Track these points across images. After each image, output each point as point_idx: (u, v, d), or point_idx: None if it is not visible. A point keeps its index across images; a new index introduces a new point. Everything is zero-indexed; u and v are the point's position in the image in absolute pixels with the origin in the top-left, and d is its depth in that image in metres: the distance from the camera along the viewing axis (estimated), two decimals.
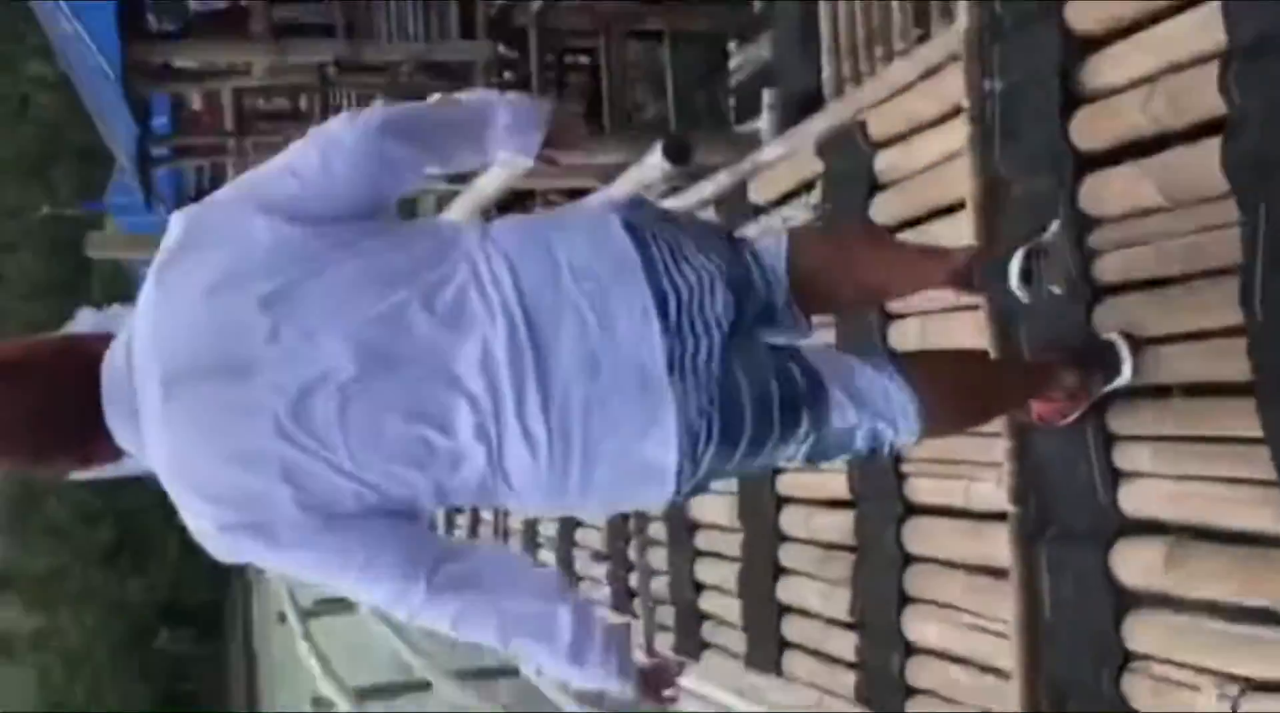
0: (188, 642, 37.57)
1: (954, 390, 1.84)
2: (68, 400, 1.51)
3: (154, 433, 1.49)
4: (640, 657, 1.78)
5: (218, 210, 1.57)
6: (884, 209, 2.99)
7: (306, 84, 8.05)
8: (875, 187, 3.05)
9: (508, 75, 7.10)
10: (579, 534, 5.26)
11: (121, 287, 26.25)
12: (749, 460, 1.62)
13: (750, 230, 3.42)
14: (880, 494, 3.08)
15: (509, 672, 5.51)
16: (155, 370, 1.47)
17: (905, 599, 3.06)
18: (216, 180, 12.93)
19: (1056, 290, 1.90)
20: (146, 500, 34.06)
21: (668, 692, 1.76)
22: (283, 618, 7.24)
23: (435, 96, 1.66)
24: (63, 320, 1.72)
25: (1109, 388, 2.14)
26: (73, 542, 36.52)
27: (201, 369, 1.48)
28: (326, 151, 1.55)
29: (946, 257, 1.97)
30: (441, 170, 1.65)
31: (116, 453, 1.54)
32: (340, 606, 8.05)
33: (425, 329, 1.50)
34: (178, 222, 1.56)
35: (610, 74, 6.80)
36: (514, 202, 6.49)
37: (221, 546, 1.56)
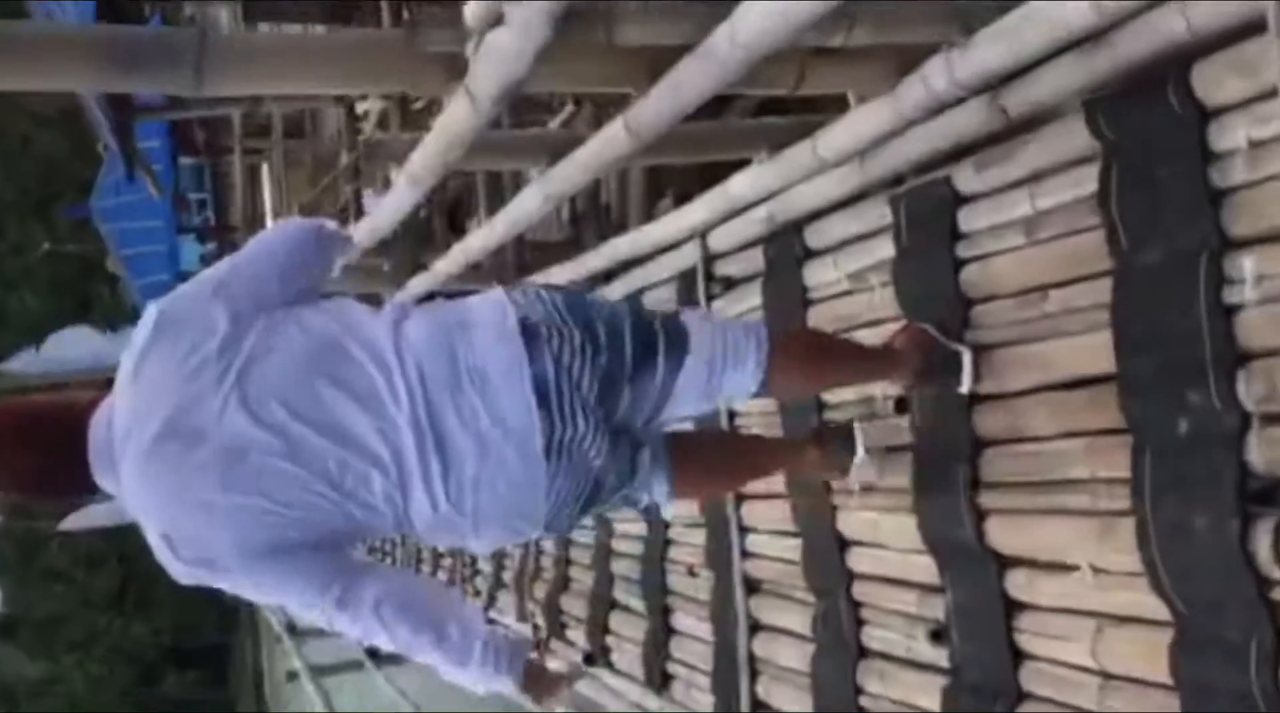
0: (195, 686, 37.55)
1: (702, 471, 2.38)
2: (65, 456, 1.96)
3: (129, 485, 1.92)
4: (533, 660, 2.18)
5: (184, 303, 2.02)
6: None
7: None
8: None
9: None
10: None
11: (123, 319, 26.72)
12: (586, 516, 2.17)
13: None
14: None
15: None
16: (132, 437, 1.90)
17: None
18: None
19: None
20: (149, 545, 34.41)
21: (549, 696, 2.20)
22: (292, 677, 7.51)
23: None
24: None
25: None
26: (76, 587, 36.75)
27: (166, 435, 1.90)
28: (265, 258, 2.07)
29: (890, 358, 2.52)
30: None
31: (96, 493, 1.97)
32: (351, 665, 8.33)
33: (344, 409, 1.94)
34: (150, 314, 2.01)
35: None
36: None
37: (181, 573, 2.00)
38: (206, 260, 13.80)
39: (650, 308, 2.27)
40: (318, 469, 1.92)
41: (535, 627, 4.94)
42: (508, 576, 5.76)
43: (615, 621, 4.41)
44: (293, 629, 7.14)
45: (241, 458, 1.90)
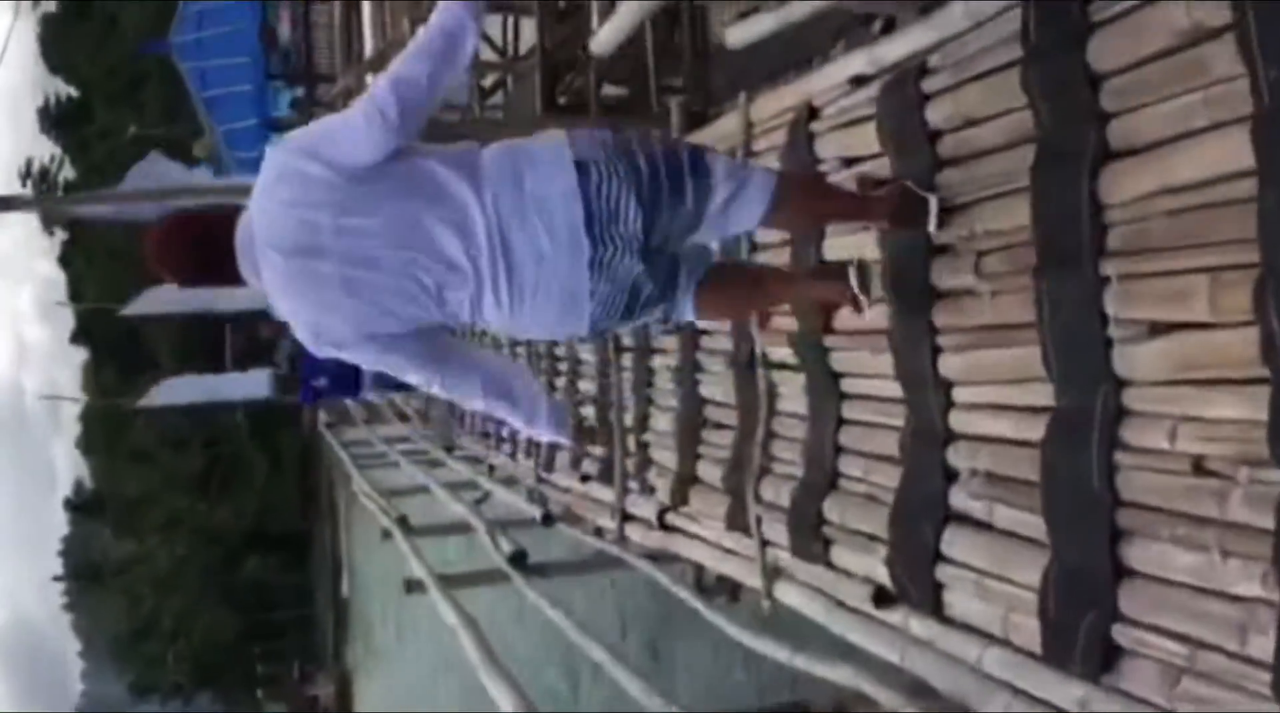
0: (275, 570, 39.09)
1: (721, 296, 2.86)
2: (218, 252, 2.52)
3: (271, 286, 2.51)
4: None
5: (290, 155, 2.49)
6: None
7: None
8: None
9: None
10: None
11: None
12: (629, 323, 2.72)
13: None
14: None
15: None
16: (270, 248, 2.47)
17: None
18: None
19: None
20: (234, 428, 35.73)
21: (581, 443, 3.05)
22: (386, 535, 7.82)
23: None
24: None
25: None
26: (161, 468, 38.44)
27: (293, 248, 2.46)
28: (361, 132, 2.45)
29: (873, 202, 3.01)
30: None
31: (240, 281, 2.57)
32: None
33: (438, 230, 2.48)
34: (270, 157, 2.52)
35: None
36: None
37: (315, 349, 2.61)
38: (298, 106, 13.02)
39: (681, 148, 2.69)
40: (413, 280, 2.49)
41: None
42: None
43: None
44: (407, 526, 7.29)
45: (357, 271, 2.46)
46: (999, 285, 2.69)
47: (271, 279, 2.51)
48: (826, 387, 3.53)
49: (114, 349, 39.19)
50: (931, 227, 2.87)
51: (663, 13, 5.59)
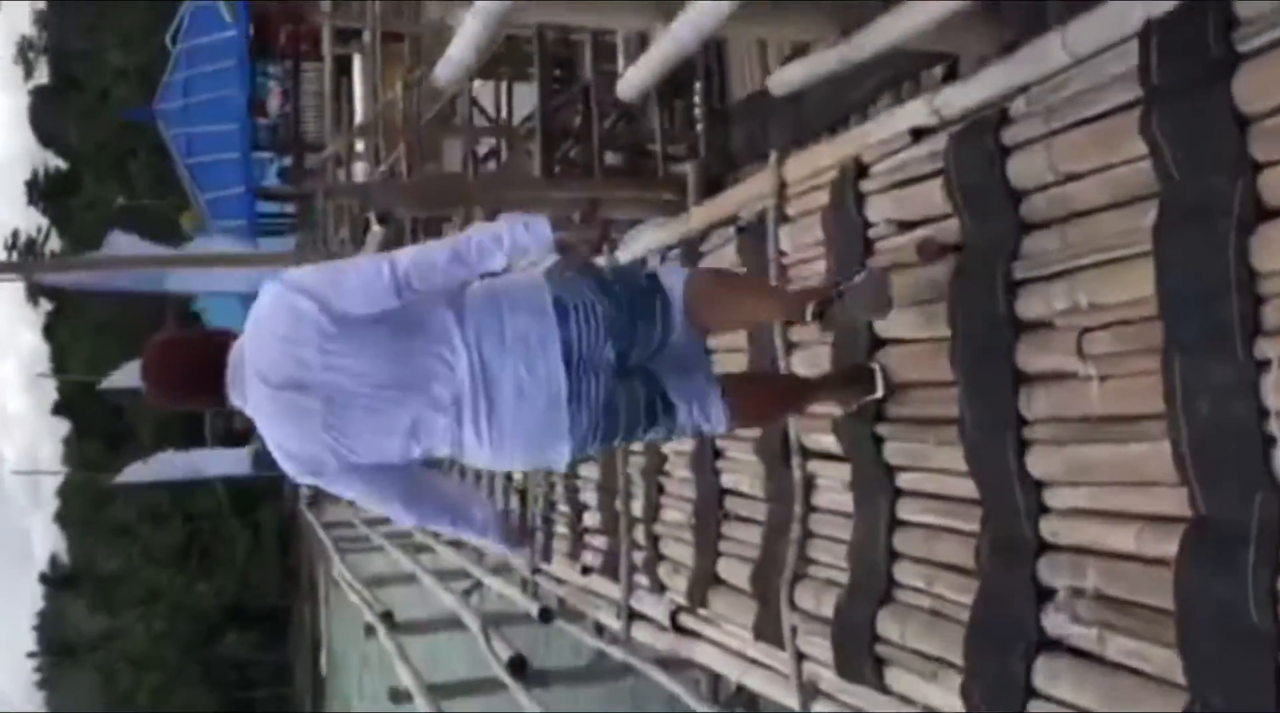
0: (253, 646, 38.24)
1: (754, 402, 2.96)
2: (208, 377, 2.59)
3: (258, 413, 2.60)
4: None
5: (287, 291, 2.57)
6: None
7: None
8: None
9: None
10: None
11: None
12: (622, 444, 2.96)
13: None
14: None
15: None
16: (259, 380, 2.56)
17: None
18: None
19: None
20: (215, 503, 35.10)
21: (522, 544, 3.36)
22: (370, 631, 7.44)
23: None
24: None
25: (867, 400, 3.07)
26: (141, 542, 37.65)
27: (282, 382, 2.55)
28: (363, 290, 2.56)
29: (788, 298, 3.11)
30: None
31: (225, 403, 2.64)
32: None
33: (422, 369, 2.58)
34: (267, 289, 2.61)
35: None
36: None
37: (296, 476, 2.73)
38: (286, 175, 12.75)
39: (644, 272, 2.85)
40: (396, 417, 2.58)
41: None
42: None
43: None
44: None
45: (338, 407, 2.55)
46: (1110, 369, 2.24)
47: (258, 407, 2.59)
48: (878, 481, 3.07)
49: (96, 422, 38.69)
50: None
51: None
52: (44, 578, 46.13)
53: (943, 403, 2.78)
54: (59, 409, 43.53)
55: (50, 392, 44.77)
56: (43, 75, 42.23)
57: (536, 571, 6.35)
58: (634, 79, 2.61)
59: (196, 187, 11.03)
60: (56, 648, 44.09)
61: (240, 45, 10.88)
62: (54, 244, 40.38)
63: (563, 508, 5.97)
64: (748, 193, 3.81)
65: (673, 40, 2.36)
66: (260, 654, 38.22)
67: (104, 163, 38.07)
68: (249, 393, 2.57)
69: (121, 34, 35.50)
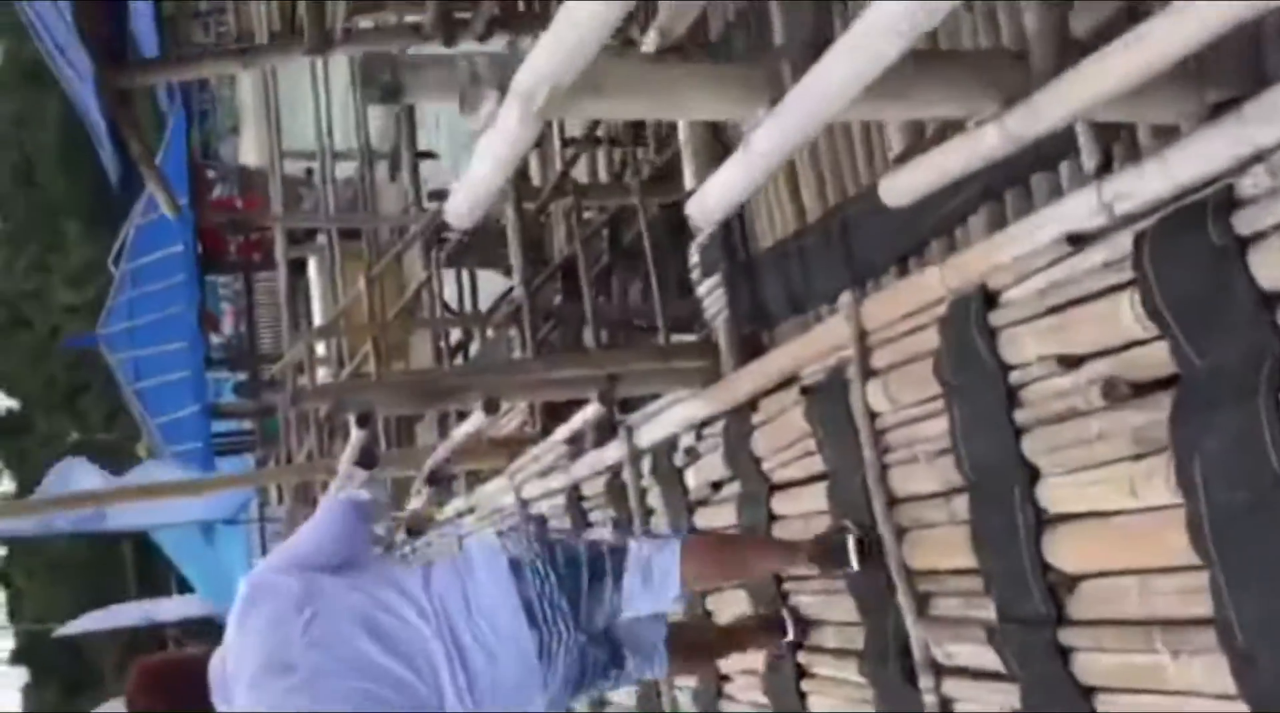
0: None
1: (685, 654, 3.22)
2: (193, 686, 2.64)
3: (242, 703, 2.59)
4: None
5: (267, 575, 2.78)
6: None
7: None
8: None
9: None
10: None
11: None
12: (583, 697, 3.23)
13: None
14: None
15: None
16: (242, 672, 2.60)
17: None
18: None
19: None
20: None
21: None
22: None
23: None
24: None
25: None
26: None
27: (265, 670, 2.57)
28: (317, 540, 2.85)
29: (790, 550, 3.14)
30: None
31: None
32: None
33: (394, 643, 2.65)
34: (244, 586, 2.75)
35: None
36: None
37: None
38: (241, 391, 11.79)
39: (595, 539, 3.11)
40: (378, 688, 2.60)
41: None
42: None
43: None
44: None
45: (321, 684, 2.57)
46: None
47: (241, 696, 2.61)
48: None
49: (55, 669, 36.86)
50: (854, 565, 2.84)
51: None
52: None
53: (1165, 598, 2.01)
54: (16, 658, 41.37)
55: (7, 640, 42.66)
56: None
57: None
58: (715, 199, 1.89)
59: (146, 412, 10.10)
60: None
61: (189, 259, 10.10)
62: (6, 485, 39.18)
63: None
64: (813, 346, 3.08)
65: (779, 130, 1.65)
66: None
67: (55, 399, 37.22)
68: (234, 693, 2.61)
69: (69, 271, 35.20)
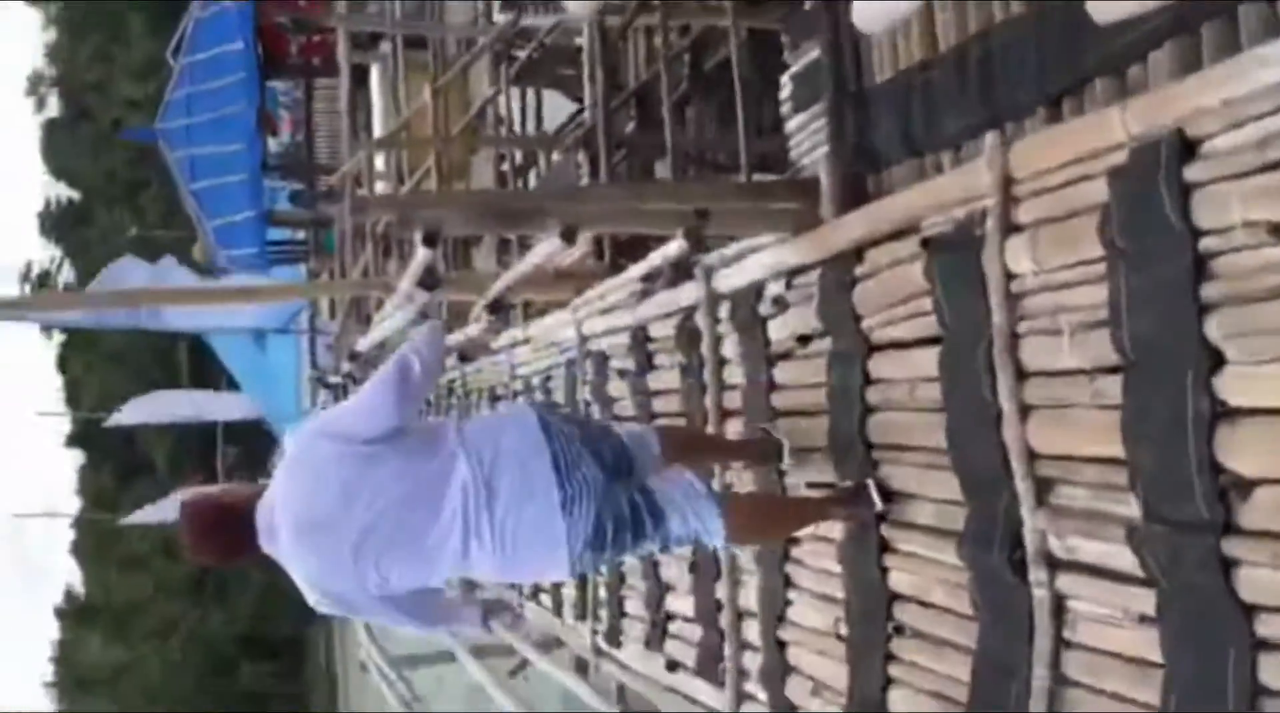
0: (269, 677, 37.26)
1: (750, 519, 3.21)
2: (242, 529, 2.88)
3: (286, 554, 2.89)
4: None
5: (307, 437, 2.95)
6: None
7: None
8: None
9: None
10: None
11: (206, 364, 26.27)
12: (618, 557, 3.34)
13: None
14: None
15: None
16: (287, 523, 2.84)
17: None
18: None
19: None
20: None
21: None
22: (364, 668, 7.44)
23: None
24: None
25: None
26: (155, 574, 36.61)
27: (308, 524, 2.83)
28: (370, 413, 2.93)
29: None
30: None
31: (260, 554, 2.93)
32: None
33: (432, 488, 2.84)
34: (289, 441, 3.06)
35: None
36: None
37: (319, 607, 2.99)
38: (299, 199, 11.50)
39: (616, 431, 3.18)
40: (413, 544, 2.82)
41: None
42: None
43: None
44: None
45: (365, 539, 2.80)
46: None
47: (287, 551, 2.85)
48: (1221, 619, 1.96)
49: (109, 454, 38.00)
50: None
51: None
52: (59, 611, 45.28)
53: None
54: (72, 441, 42.59)
55: (64, 424, 43.89)
56: (53, 108, 41.52)
57: (600, 652, 5.25)
58: None
59: (202, 213, 9.80)
60: (73, 680, 43.21)
61: (249, 58, 9.65)
62: (68, 275, 39.65)
63: (634, 583, 4.87)
64: (943, 193, 2.70)
65: None
66: (276, 686, 37.17)
67: (116, 193, 37.25)
68: (280, 538, 2.83)
69: (132, 64, 34.75)
